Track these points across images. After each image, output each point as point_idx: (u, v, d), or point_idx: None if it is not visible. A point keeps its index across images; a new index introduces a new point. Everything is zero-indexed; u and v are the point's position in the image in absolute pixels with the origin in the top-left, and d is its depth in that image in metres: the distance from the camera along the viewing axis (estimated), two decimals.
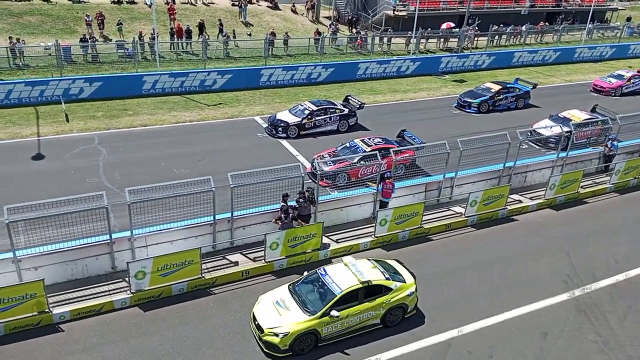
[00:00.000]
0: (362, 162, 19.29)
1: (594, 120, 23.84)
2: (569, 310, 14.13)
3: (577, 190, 19.69)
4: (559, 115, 25.21)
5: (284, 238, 14.85)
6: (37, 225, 12.65)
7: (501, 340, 13.00)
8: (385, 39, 39.59)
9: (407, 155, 19.72)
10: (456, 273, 15.35)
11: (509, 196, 18.58)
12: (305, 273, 13.55)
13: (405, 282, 13.30)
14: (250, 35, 37.76)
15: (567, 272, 15.66)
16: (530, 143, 23.54)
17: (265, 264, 14.86)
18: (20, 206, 12.33)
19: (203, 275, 14.12)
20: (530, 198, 19.45)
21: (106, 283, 13.65)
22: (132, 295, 13.29)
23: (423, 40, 40.33)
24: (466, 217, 17.77)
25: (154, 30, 30.50)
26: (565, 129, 20.39)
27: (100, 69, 29.63)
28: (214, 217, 14.76)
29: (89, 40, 31.14)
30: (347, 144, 20.73)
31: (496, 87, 29.37)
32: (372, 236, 16.36)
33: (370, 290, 12.64)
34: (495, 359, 12.44)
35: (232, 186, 14.48)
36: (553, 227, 18.02)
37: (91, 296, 13.19)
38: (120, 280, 13.71)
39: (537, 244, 17.02)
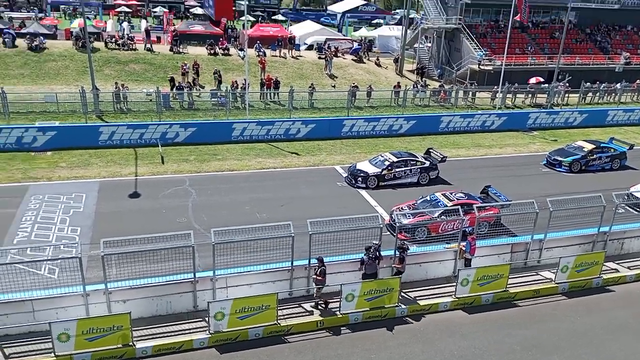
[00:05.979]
0: (443, 217, 18.84)
1: None
2: None
3: None
4: None
5: (359, 290, 14.63)
6: (128, 259, 13.42)
7: None
8: (469, 93, 39.23)
9: (492, 212, 19.03)
10: (545, 345, 14.29)
11: (604, 264, 17.32)
12: None
13: None
14: (334, 87, 38.83)
15: None
16: (627, 207, 22.02)
17: (341, 315, 14.66)
18: (115, 240, 13.16)
19: (279, 321, 14.15)
20: (628, 267, 18.02)
21: (187, 321, 14.02)
22: (210, 335, 13.53)
23: (509, 95, 39.58)
24: (557, 283, 16.69)
25: (245, 80, 32.21)
26: None
27: (195, 115, 31.53)
28: (292, 263, 14.89)
29: (185, 89, 33.41)
30: (428, 198, 20.39)
31: (589, 146, 27.97)
32: (453, 296, 15.73)
33: None
34: None
35: (310, 233, 14.62)
36: None
37: (172, 333, 13.58)
38: (200, 319, 14.03)
39: (636, 319, 15.58)
